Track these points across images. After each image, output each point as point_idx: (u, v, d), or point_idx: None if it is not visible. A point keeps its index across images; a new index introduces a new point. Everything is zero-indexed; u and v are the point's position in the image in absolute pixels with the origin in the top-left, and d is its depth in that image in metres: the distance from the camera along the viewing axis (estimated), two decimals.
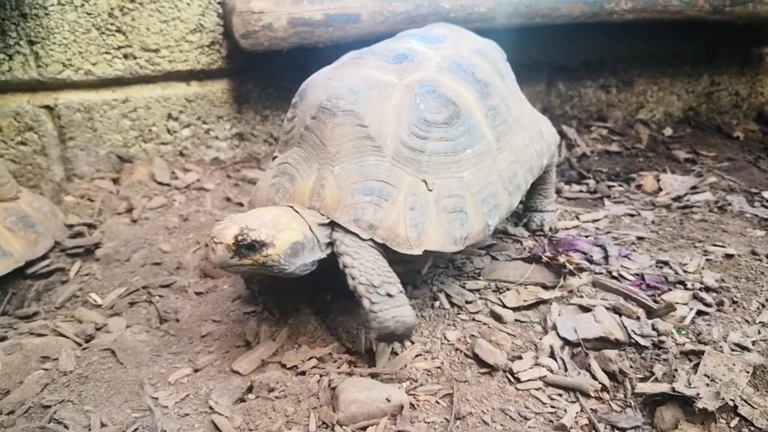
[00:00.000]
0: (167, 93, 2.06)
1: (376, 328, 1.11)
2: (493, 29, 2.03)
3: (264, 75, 2.12)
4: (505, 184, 1.32)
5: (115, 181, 2.03)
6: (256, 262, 1.10)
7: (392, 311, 1.11)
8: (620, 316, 1.27)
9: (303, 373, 1.17)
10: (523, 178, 1.39)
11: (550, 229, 1.65)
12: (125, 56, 1.96)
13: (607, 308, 1.29)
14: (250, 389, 1.14)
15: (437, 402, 1.10)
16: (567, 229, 1.69)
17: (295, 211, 1.19)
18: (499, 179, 1.31)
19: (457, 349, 1.23)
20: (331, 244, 1.21)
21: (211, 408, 1.09)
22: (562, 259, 1.41)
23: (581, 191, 1.96)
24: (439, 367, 1.18)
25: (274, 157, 1.39)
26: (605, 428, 1.03)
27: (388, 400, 1.05)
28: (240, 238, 1.07)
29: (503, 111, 1.38)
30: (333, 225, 1.20)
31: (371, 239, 1.17)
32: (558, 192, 1.95)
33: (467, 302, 1.36)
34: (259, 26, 1.80)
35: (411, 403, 1.07)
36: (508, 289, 1.39)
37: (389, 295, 1.12)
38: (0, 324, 1.40)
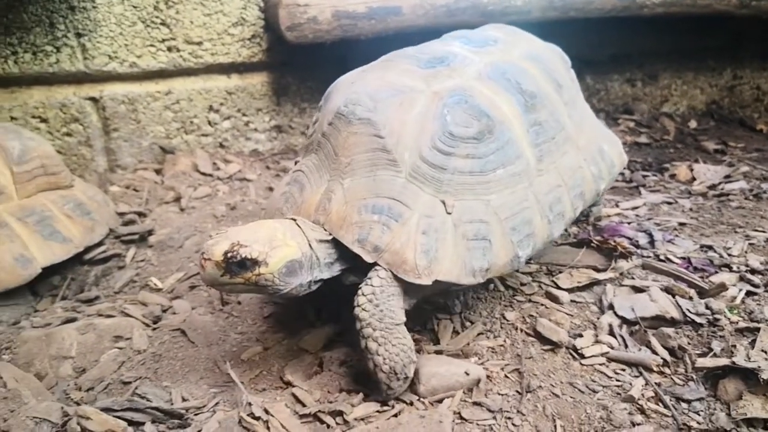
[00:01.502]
0: (209, 85, 2.10)
1: (385, 372, 1.04)
2: (528, 22, 2.07)
3: (303, 68, 2.16)
4: (543, 211, 1.18)
5: (158, 171, 2.07)
6: (248, 280, 1.01)
7: (405, 384, 1.06)
8: (673, 296, 1.31)
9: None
10: (570, 204, 1.25)
11: (596, 219, 1.63)
12: (169, 49, 2.00)
13: (661, 289, 1.33)
14: (320, 364, 1.18)
15: (506, 376, 1.13)
16: (609, 216, 1.73)
17: (298, 225, 1.11)
18: (537, 205, 1.17)
19: (517, 328, 1.26)
20: (334, 263, 1.12)
21: (287, 383, 1.13)
22: (613, 242, 1.44)
23: (616, 180, 2.00)
24: (501, 345, 1.22)
25: (296, 162, 1.33)
26: (670, 400, 1.07)
27: (467, 374, 1.09)
28: (230, 255, 0.98)
29: (551, 127, 1.24)
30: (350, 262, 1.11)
31: (392, 279, 1.06)
32: None
33: (522, 284, 1.40)
34: (305, 19, 1.84)
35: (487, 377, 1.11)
36: (560, 272, 1.43)
37: (407, 378, 1.05)
38: (63, 307, 1.44)
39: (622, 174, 2.04)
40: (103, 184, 1.99)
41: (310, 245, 1.08)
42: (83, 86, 1.98)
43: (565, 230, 1.66)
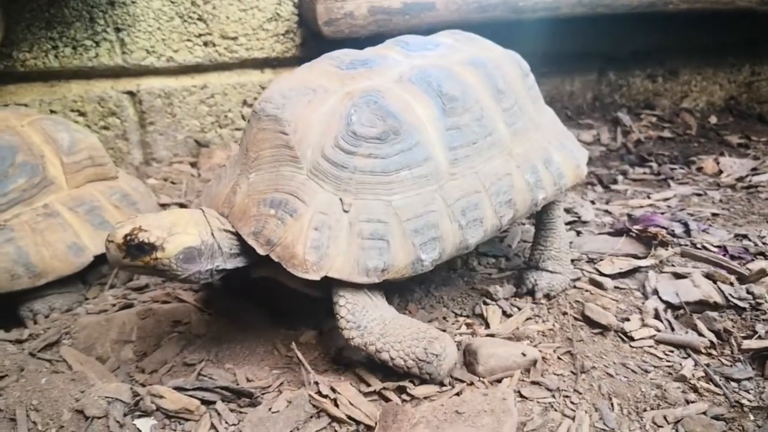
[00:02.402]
0: (243, 80, 2.13)
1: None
2: (557, 18, 2.11)
3: None
4: (454, 215, 1.14)
5: (193, 164, 2.10)
6: (147, 264, 1.05)
7: (446, 365, 1.06)
8: (715, 282, 1.35)
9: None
10: (493, 211, 1.19)
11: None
12: (205, 44, 2.03)
13: (702, 275, 1.37)
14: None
15: (559, 358, 1.17)
16: (641, 207, 1.77)
17: (204, 215, 1.14)
18: (446, 208, 1.13)
19: (564, 313, 1.30)
20: (239, 255, 1.15)
21: (346, 365, 1.17)
22: (653, 230, 1.48)
23: (645, 173, 2.04)
24: (551, 329, 1.26)
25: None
26: (720, 379, 1.11)
27: (524, 355, 1.13)
28: (129, 238, 1.03)
29: (472, 132, 1.19)
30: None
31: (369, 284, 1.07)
32: (624, 174, 2.02)
33: None
34: (341, 14, 1.88)
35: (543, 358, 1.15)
36: (601, 260, 1.47)
37: (438, 355, 1.05)
38: (114, 295, 1.47)
39: (650, 167, 2.08)
40: (140, 177, 2.02)
41: (212, 234, 1.10)
42: (121, 80, 2.01)
43: (600, 219, 1.70)
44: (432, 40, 1.35)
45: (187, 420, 1.04)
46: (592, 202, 1.80)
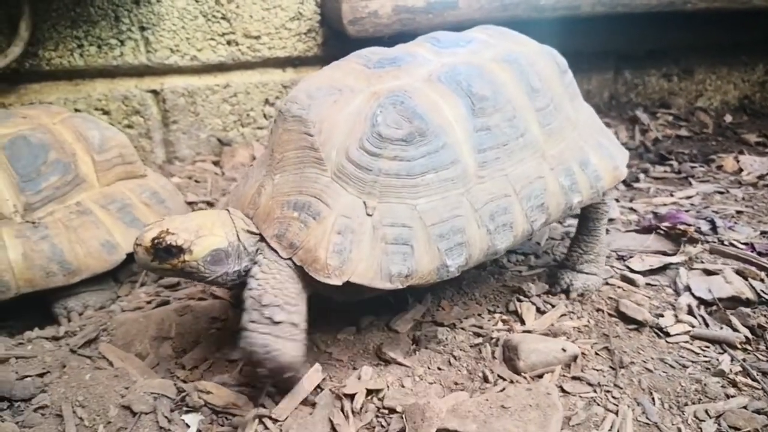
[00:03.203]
0: (265, 79, 2.14)
1: (242, 348, 1.01)
2: (577, 17, 2.13)
3: None
4: (482, 220, 1.11)
5: (216, 163, 2.11)
6: (175, 267, 1.06)
7: (266, 338, 1.00)
8: (745, 278, 1.36)
9: (463, 329, 1.26)
10: (524, 216, 1.16)
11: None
12: (228, 42, 2.04)
13: (733, 271, 1.38)
14: (416, 341, 1.23)
15: (597, 354, 1.18)
16: (665, 204, 1.78)
17: (230, 215, 1.14)
18: (473, 213, 1.11)
19: (598, 309, 1.31)
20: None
21: (387, 361, 1.18)
22: (683, 227, 1.50)
23: (665, 171, 2.06)
24: (586, 325, 1.27)
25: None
26: (757, 374, 1.12)
27: (564, 350, 1.14)
28: (156, 241, 1.03)
29: (503, 133, 1.17)
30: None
31: (291, 260, 1.05)
32: (645, 172, 2.04)
33: None
34: (366, 13, 1.89)
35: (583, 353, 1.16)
36: (630, 257, 1.48)
37: (272, 321, 1.00)
38: (146, 293, 1.48)
39: (670, 165, 2.09)
40: (164, 176, 2.03)
41: (238, 236, 1.10)
42: (145, 79, 2.02)
43: (625, 217, 1.71)
44: (464, 36, 1.32)
45: (234, 415, 1.05)
46: (617, 200, 1.81)
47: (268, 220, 1.10)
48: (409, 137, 1.08)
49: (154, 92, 2.04)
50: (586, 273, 1.37)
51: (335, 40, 2.07)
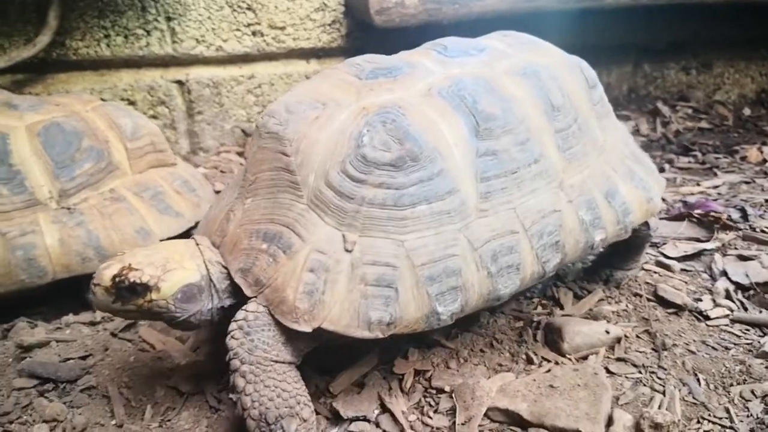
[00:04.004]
0: (289, 70, 2.14)
1: None
2: (602, 9, 2.13)
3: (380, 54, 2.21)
4: (482, 261, 0.96)
5: (240, 154, 2.12)
6: (141, 308, 0.93)
7: None
8: None
9: (503, 312, 1.26)
10: (534, 256, 1.01)
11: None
12: (254, 33, 2.05)
13: None
14: (456, 325, 1.23)
15: (638, 337, 1.19)
16: (692, 194, 1.78)
17: (198, 245, 1.01)
18: (471, 252, 0.96)
19: (636, 294, 1.32)
20: (232, 293, 1.00)
21: (430, 344, 1.18)
22: (716, 214, 1.50)
23: (690, 162, 2.06)
24: (624, 310, 1.27)
25: None
26: None
27: (607, 332, 1.14)
28: (119, 279, 0.91)
29: (512, 158, 1.02)
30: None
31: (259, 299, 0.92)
32: (670, 162, 2.05)
33: None
34: (393, 3, 1.89)
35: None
36: (664, 244, 1.49)
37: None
38: None
39: (694, 156, 2.09)
40: None
41: (207, 267, 0.98)
42: (170, 69, 2.03)
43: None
44: (477, 44, 1.17)
45: None
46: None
47: (234, 251, 0.97)
48: (398, 161, 0.93)
49: (180, 83, 2.05)
50: (625, 269, 1.35)
51: (360, 32, 2.07)
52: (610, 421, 0.95)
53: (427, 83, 1.03)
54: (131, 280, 0.91)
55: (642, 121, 2.42)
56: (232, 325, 0.91)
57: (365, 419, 0.98)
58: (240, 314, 0.92)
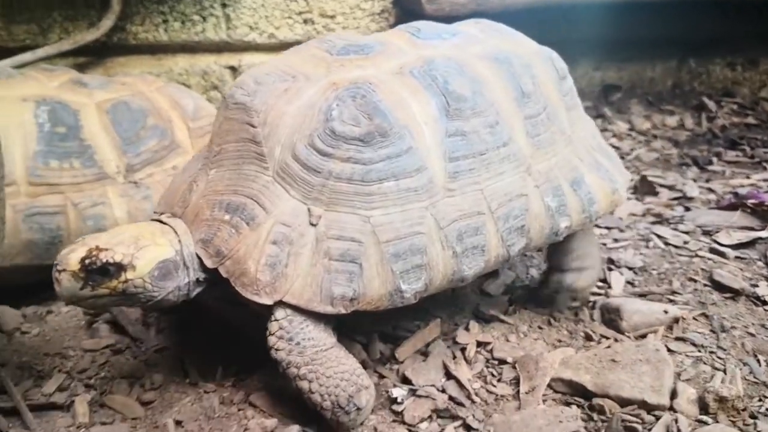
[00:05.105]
0: None
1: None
2: (648, 3, 2.14)
3: None
4: (447, 240, 0.96)
5: None
6: (114, 290, 0.88)
7: (362, 419, 0.93)
8: None
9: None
10: (499, 239, 1.00)
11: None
12: (305, 21, 2.09)
13: None
14: (512, 303, 1.25)
15: (695, 319, 1.20)
16: (743, 186, 1.79)
17: (163, 221, 0.98)
18: (437, 231, 0.95)
19: (691, 279, 1.33)
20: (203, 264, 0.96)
21: (487, 319, 1.20)
22: None
23: (738, 156, 2.06)
24: (679, 293, 1.28)
25: None
26: None
27: (666, 312, 1.16)
28: (88, 261, 0.85)
29: (481, 140, 1.01)
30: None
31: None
32: (718, 156, 2.04)
33: (684, 243, 1.46)
34: None
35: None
36: (717, 232, 1.49)
37: (359, 409, 0.90)
38: None
39: (742, 150, 2.09)
40: None
41: (179, 241, 0.94)
42: (223, 55, 2.08)
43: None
44: (449, 29, 1.17)
45: None
46: (693, 180, 1.82)
47: (196, 222, 0.96)
48: (367, 137, 0.93)
49: (232, 68, 2.10)
50: (575, 270, 1.20)
51: (408, 20, 2.09)
52: (674, 394, 0.97)
53: (399, 62, 1.03)
54: (103, 260, 0.86)
55: (686, 116, 2.41)
56: (271, 339, 0.90)
57: (432, 385, 1.01)
58: (273, 325, 0.90)
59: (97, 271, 0.86)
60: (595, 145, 1.21)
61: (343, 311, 0.90)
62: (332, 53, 1.03)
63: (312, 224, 0.91)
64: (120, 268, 0.87)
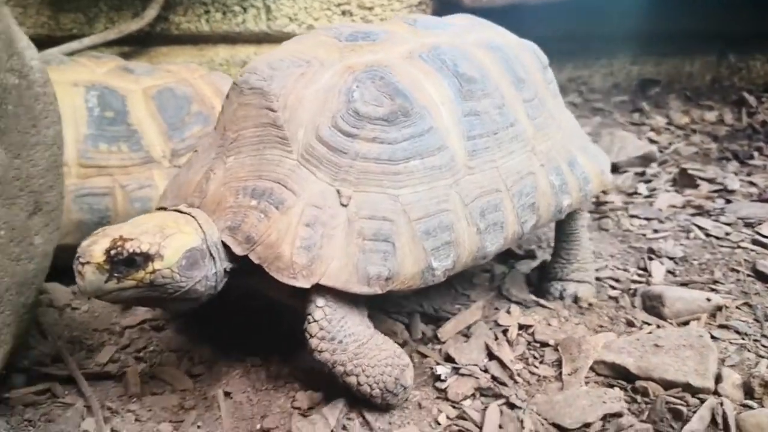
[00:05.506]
0: None
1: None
2: None
3: None
4: (472, 217, 0.97)
5: None
6: (141, 282, 0.84)
7: (406, 395, 0.94)
8: None
9: (598, 278, 1.28)
10: (515, 215, 1.03)
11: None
12: (343, 13, 2.11)
13: None
14: (540, 299, 1.26)
15: (737, 308, 1.19)
16: None
17: (182, 211, 0.95)
18: (462, 208, 0.96)
19: (733, 269, 1.32)
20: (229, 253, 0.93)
21: (527, 305, 1.21)
22: None
23: None
24: (722, 282, 1.27)
25: None
26: None
27: (708, 300, 1.15)
28: (113, 252, 0.82)
29: (492, 120, 1.04)
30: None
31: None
32: (759, 150, 2.01)
33: (726, 234, 1.45)
34: None
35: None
36: (759, 224, 1.48)
37: (405, 388, 0.92)
38: None
39: None
40: None
41: (202, 229, 0.91)
42: (263, 46, 2.11)
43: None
44: (443, 21, 1.21)
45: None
46: (735, 174, 1.80)
47: (218, 210, 0.93)
48: (391, 116, 0.93)
49: None
50: (576, 281, 1.24)
51: (445, 12, 2.10)
52: (718, 379, 0.96)
53: (407, 48, 1.04)
54: (129, 250, 0.82)
55: (726, 111, 2.38)
56: (313, 342, 0.89)
57: (475, 365, 1.02)
58: (313, 327, 0.89)
59: (123, 262, 0.82)
60: (578, 133, 1.27)
61: (379, 291, 0.89)
62: (341, 39, 1.04)
63: (343, 205, 0.91)
64: (147, 258, 0.83)
